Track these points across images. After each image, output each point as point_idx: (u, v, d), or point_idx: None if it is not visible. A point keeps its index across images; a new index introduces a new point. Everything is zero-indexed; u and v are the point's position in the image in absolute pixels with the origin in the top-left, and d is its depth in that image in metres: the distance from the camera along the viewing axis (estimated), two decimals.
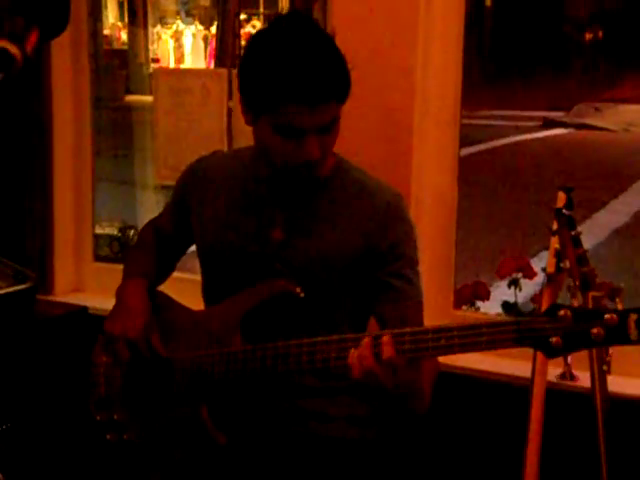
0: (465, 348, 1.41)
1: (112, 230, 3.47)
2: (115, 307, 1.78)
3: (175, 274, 1.99)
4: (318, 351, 1.53)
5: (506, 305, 2.62)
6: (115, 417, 1.76)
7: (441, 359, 1.67)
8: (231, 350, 1.64)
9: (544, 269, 1.89)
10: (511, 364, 2.12)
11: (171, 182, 2.32)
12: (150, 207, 4.00)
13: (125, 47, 14.68)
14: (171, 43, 14.59)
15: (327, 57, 1.57)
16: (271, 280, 1.67)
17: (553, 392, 1.93)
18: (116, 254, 3.36)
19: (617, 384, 1.88)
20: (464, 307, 2.58)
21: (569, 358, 1.46)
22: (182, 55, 14.41)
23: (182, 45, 14.57)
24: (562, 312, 1.36)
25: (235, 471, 1.74)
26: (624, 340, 1.33)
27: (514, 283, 2.62)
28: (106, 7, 14.64)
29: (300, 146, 1.58)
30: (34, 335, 2.56)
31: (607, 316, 1.33)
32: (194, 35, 14.56)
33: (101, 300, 2.65)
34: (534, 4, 15.20)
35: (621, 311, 1.34)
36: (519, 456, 1.85)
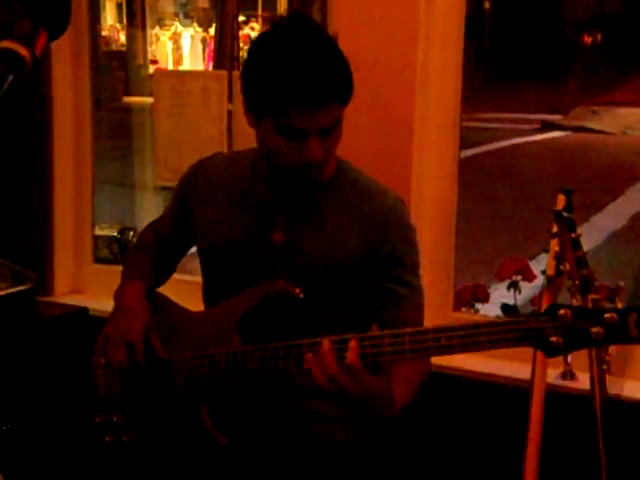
0: (465, 348, 1.42)
1: (111, 232, 3.47)
2: (114, 309, 1.78)
3: (175, 276, 1.99)
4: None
5: (505, 307, 2.62)
6: (115, 419, 1.76)
7: (441, 361, 1.67)
8: (230, 351, 1.64)
9: (543, 271, 1.89)
10: (510, 366, 2.12)
11: (171, 184, 2.32)
12: (149, 209, 3.99)
13: (123, 49, 14.68)
14: (169, 45, 14.59)
15: (329, 59, 1.57)
16: (270, 281, 1.68)
17: (552, 394, 1.93)
18: (115, 255, 3.36)
19: (617, 386, 1.89)
20: (463, 309, 2.59)
21: (569, 357, 1.46)
22: (180, 57, 14.41)
23: (180, 47, 14.57)
24: (562, 311, 1.36)
25: (235, 472, 1.74)
26: (624, 339, 1.34)
27: (513, 285, 2.63)
28: (104, 8, 14.63)
29: (302, 148, 1.59)
30: (34, 336, 2.56)
31: (607, 315, 1.33)
32: (192, 37, 14.56)
33: (100, 301, 2.65)
34: (533, 7, 15.21)
35: (621, 310, 1.34)
36: (519, 458, 1.85)
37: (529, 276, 2.62)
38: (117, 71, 11.29)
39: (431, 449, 2.23)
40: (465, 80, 2.26)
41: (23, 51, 1.07)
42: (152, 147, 2.82)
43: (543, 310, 1.48)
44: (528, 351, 1.74)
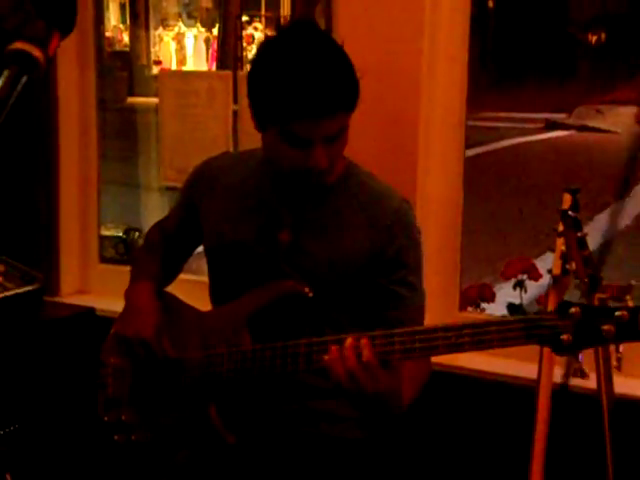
0: (475, 346, 1.42)
1: (117, 232, 3.48)
2: (125, 308, 1.79)
3: (180, 275, 2.00)
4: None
5: (511, 307, 2.62)
6: (123, 418, 1.76)
7: (447, 360, 1.68)
8: (240, 349, 1.65)
9: (549, 271, 1.89)
10: (517, 365, 2.12)
11: (176, 184, 2.32)
12: (155, 209, 4.01)
13: (127, 49, 14.69)
14: (173, 45, 14.59)
15: (334, 68, 1.56)
16: (280, 280, 1.68)
17: (559, 393, 1.93)
18: (121, 256, 3.37)
19: (625, 385, 1.89)
20: (469, 309, 2.59)
21: (581, 355, 1.47)
22: (184, 57, 14.41)
23: (184, 47, 14.57)
24: (573, 309, 1.36)
25: (244, 471, 1.74)
26: (635, 337, 1.34)
27: (519, 285, 2.63)
28: (108, 9, 14.64)
29: (307, 155, 1.59)
30: (41, 336, 2.56)
31: (618, 313, 1.34)
32: (196, 37, 14.56)
33: (106, 301, 2.66)
34: (537, 6, 15.19)
35: (632, 308, 1.35)
36: (525, 456, 1.86)
37: (535, 275, 2.63)
38: (120, 71, 11.30)
39: (438, 448, 2.23)
40: (468, 79, 2.26)
41: (36, 52, 1.08)
42: (157, 147, 2.83)
43: (553, 308, 1.49)
44: (535, 350, 1.75)
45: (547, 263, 1.92)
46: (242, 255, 1.75)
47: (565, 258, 1.82)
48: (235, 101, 2.64)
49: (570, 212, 1.81)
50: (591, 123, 12.27)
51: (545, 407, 1.85)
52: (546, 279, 1.97)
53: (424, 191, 2.25)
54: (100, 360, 1.81)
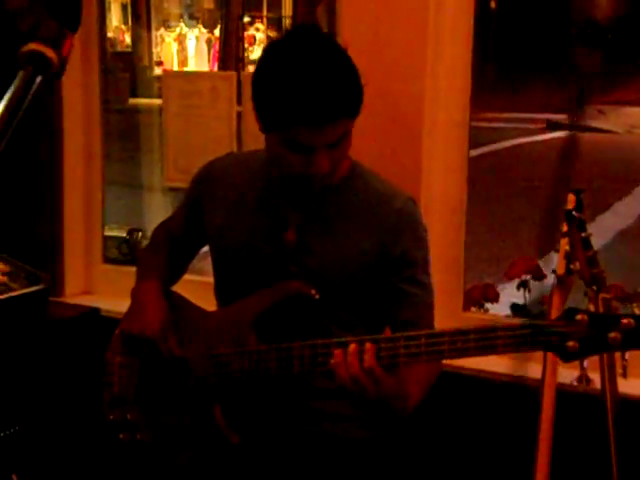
0: (481, 351, 1.43)
1: (121, 232, 3.48)
2: (131, 307, 1.80)
3: (185, 276, 2.00)
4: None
5: (515, 307, 2.63)
6: (128, 417, 1.77)
7: (452, 361, 1.67)
8: (246, 350, 1.65)
9: (554, 271, 1.90)
10: (522, 365, 2.12)
11: (180, 185, 2.32)
12: (158, 210, 4.01)
13: (129, 50, 14.71)
14: (174, 46, 14.61)
15: (337, 76, 1.56)
16: (287, 281, 1.68)
17: (563, 393, 1.93)
18: (125, 256, 3.37)
19: (628, 386, 1.89)
20: (473, 309, 2.59)
21: (585, 362, 1.47)
22: (185, 58, 14.43)
23: (185, 48, 14.59)
24: (579, 316, 1.36)
25: (248, 471, 1.75)
26: None
27: (523, 285, 2.63)
28: (110, 10, 14.66)
29: (309, 161, 1.59)
30: (47, 336, 2.57)
31: (624, 321, 1.34)
32: (197, 38, 14.57)
33: (110, 302, 2.67)
34: (538, 7, 15.18)
35: (638, 316, 1.34)
36: (530, 457, 1.86)
37: (539, 275, 2.63)
38: (122, 72, 11.31)
39: (443, 448, 2.23)
40: (472, 79, 2.26)
41: (50, 53, 1.08)
42: (161, 148, 2.83)
43: (553, 310, 1.49)
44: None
45: (550, 263, 1.92)
46: (248, 255, 1.75)
47: (569, 258, 1.82)
48: (239, 102, 2.64)
49: (574, 212, 1.81)
50: (593, 123, 12.27)
51: (550, 407, 1.85)
52: (550, 279, 1.98)
53: (428, 191, 2.25)
54: (106, 358, 1.82)
